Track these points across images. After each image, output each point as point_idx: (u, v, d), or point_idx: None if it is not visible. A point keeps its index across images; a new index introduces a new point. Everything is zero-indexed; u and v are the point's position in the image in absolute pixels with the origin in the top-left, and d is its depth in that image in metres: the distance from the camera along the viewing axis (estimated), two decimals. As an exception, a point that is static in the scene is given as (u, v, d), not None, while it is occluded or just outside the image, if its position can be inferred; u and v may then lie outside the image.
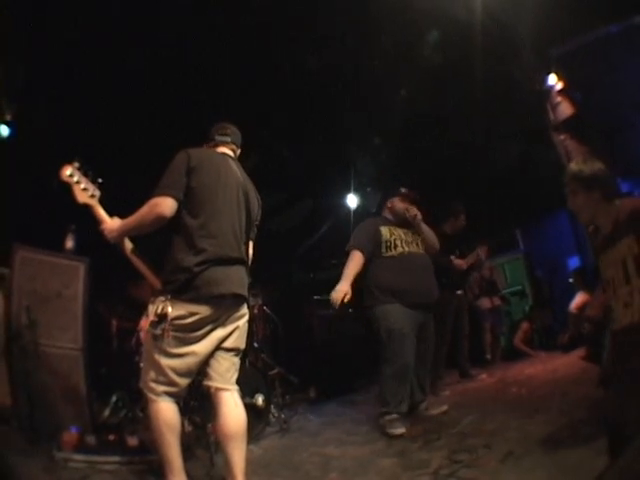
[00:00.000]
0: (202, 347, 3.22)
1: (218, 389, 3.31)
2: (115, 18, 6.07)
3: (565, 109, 7.49)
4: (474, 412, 4.84)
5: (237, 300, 3.34)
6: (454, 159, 9.67)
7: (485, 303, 9.21)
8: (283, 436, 5.35)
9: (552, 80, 7.57)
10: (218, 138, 3.74)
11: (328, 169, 9.90)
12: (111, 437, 4.57)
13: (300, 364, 7.68)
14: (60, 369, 4.92)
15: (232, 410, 3.28)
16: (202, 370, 3.33)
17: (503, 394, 5.74)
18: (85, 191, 3.35)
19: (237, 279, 3.33)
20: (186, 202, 3.24)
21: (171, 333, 3.10)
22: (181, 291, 3.11)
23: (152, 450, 3.73)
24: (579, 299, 8.20)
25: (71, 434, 4.24)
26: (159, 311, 3.09)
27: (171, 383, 3.18)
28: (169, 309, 3.09)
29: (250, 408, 5.05)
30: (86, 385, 5.08)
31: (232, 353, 3.38)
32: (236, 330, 3.37)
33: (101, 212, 3.40)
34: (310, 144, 9.09)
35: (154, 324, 3.13)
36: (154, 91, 6.97)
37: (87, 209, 3.41)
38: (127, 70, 6.67)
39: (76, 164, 3.37)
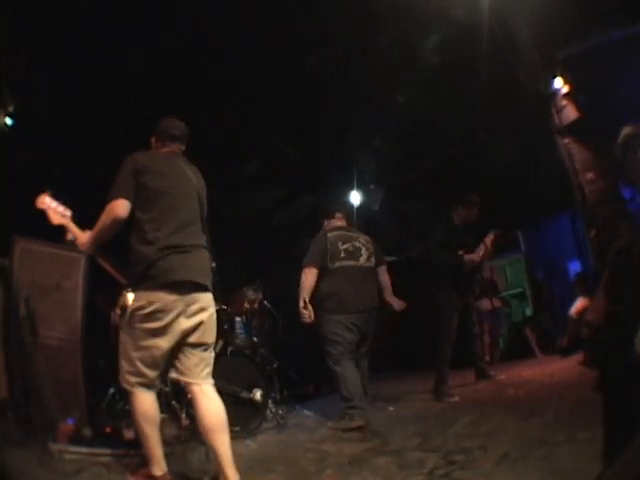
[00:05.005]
0: (165, 341, 3.26)
1: (188, 383, 3.39)
2: (116, 12, 6.09)
3: (570, 113, 7.46)
4: (470, 413, 4.84)
5: (196, 288, 3.37)
6: (457, 159, 9.66)
7: (485, 304, 9.21)
8: (280, 431, 5.36)
9: (558, 83, 7.54)
10: (167, 141, 3.75)
11: (331, 166, 9.90)
12: (107, 429, 4.58)
13: (299, 359, 7.69)
14: (58, 361, 4.93)
15: (206, 404, 3.33)
16: (172, 363, 3.41)
17: (500, 396, 5.75)
18: (58, 213, 3.63)
19: (195, 267, 3.38)
20: (137, 200, 3.35)
21: (136, 325, 3.23)
22: (140, 281, 3.26)
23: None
24: (579, 304, 8.20)
25: (67, 426, 4.26)
26: (121, 303, 3.20)
27: (140, 374, 3.26)
28: (129, 301, 3.29)
29: (248, 403, 5.10)
30: (83, 377, 5.08)
31: (200, 349, 3.41)
32: (201, 325, 3.39)
33: (74, 229, 3.61)
34: (312, 141, 9.08)
35: (120, 316, 3.23)
36: (154, 86, 6.98)
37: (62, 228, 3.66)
38: (128, 63, 6.70)
39: (47, 192, 3.70)
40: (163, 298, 3.21)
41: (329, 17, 6.86)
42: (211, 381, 3.44)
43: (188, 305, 3.31)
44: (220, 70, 7.25)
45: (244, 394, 5.07)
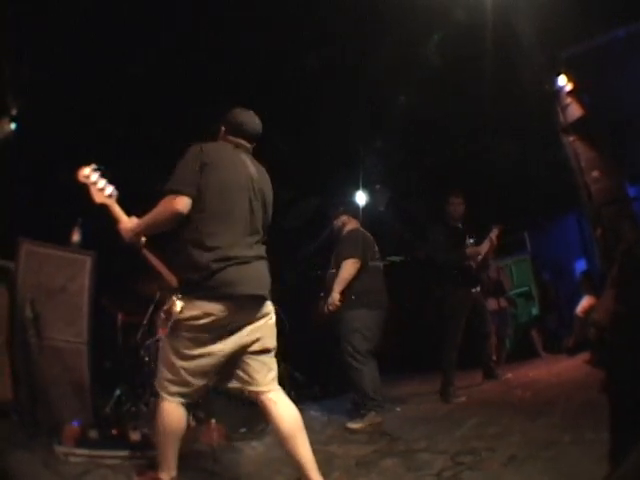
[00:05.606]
0: (218, 349, 3.09)
1: (253, 392, 3.23)
2: (116, 12, 6.10)
3: (574, 111, 7.43)
4: (478, 415, 4.84)
5: (256, 301, 3.19)
6: (463, 159, 9.64)
7: (491, 304, 9.16)
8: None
9: (562, 81, 7.51)
10: (237, 136, 3.45)
11: (336, 166, 9.90)
12: (113, 431, 4.56)
13: (306, 361, 7.67)
14: (64, 363, 4.91)
15: (278, 411, 3.17)
16: (233, 374, 3.25)
17: (507, 397, 5.74)
18: (102, 191, 3.35)
19: (255, 279, 3.16)
20: (197, 199, 3.08)
21: (185, 334, 3.04)
22: (193, 289, 3.02)
23: (154, 445, 3.72)
24: (585, 302, 8.19)
25: (73, 428, 4.22)
26: (169, 309, 3.04)
27: (184, 383, 3.10)
28: (177, 308, 3.00)
29: (255, 404, 5.08)
30: (89, 379, 5.07)
31: (262, 355, 3.24)
32: (260, 331, 3.22)
33: (118, 212, 3.35)
34: (317, 141, 9.06)
35: (165, 321, 3.09)
36: (157, 87, 6.99)
37: (103, 208, 3.38)
38: (128, 63, 6.72)
39: (93, 165, 3.39)
40: (220, 311, 3.01)
41: (329, 17, 6.85)
42: (277, 386, 3.28)
43: (246, 317, 3.16)
44: (220, 70, 7.25)
45: (250, 396, 5.06)
